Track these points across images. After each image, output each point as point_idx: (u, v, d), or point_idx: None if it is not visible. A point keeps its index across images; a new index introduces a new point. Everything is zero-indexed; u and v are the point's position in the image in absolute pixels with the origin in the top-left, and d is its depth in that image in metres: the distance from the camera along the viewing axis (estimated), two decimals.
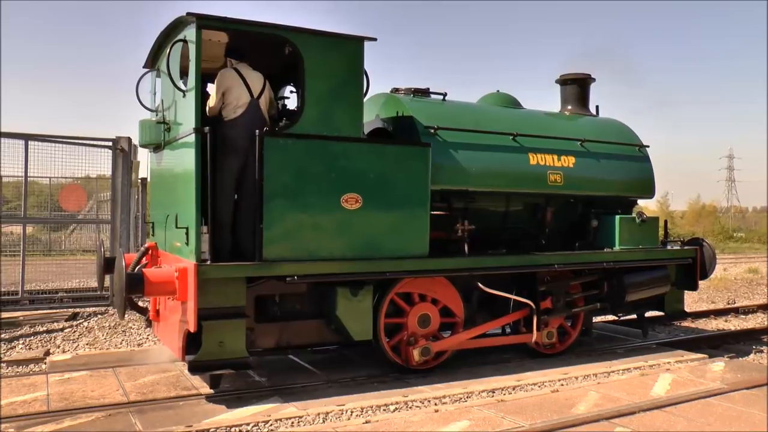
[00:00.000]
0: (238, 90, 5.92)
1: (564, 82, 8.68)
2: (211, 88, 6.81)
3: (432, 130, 6.65)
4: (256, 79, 6.03)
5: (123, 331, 8.66)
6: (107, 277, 7.26)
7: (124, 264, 5.61)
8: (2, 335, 8.25)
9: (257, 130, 5.57)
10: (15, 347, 7.80)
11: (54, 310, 9.81)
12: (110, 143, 10.19)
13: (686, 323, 10.62)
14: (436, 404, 5.61)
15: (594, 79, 8.66)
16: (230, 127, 5.82)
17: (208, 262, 5.42)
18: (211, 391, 5.77)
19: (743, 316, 11.62)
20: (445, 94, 7.30)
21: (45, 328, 8.76)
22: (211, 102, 6.01)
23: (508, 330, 7.56)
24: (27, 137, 9.75)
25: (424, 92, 7.23)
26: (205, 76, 6.05)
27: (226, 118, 5.90)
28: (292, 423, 5.10)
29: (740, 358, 8.09)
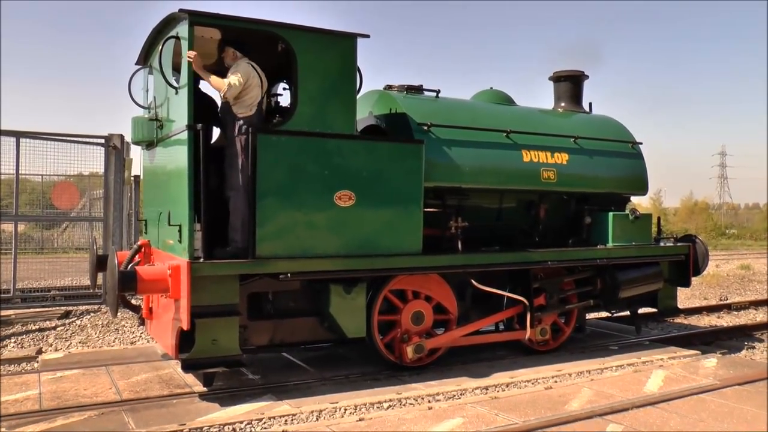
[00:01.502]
0: (257, 89, 5.86)
1: (557, 79, 8.68)
2: (204, 85, 6.77)
3: (425, 127, 6.64)
4: (263, 78, 6.00)
5: (116, 330, 8.62)
6: (100, 275, 7.22)
7: (116, 262, 5.58)
8: None
9: (249, 127, 5.55)
10: (6, 346, 7.77)
11: (46, 309, 9.76)
12: (102, 140, 10.15)
13: (679, 320, 10.66)
14: (429, 401, 5.61)
15: (587, 76, 8.67)
16: (247, 124, 5.73)
17: (201, 260, 5.41)
18: (205, 389, 5.76)
19: (735, 313, 11.67)
20: (438, 91, 7.29)
21: (37, 327, 8.72)
22: (235, 88, 5.68)
23: (501, 327, 7.56)
24: (18, 134, 9.69)
25: (418, 89, 7.22)
26: (197, 73, 6.01)
27: (240, 114, 5.82)
28: (286, 421, 5.09)
29: (733, 354, 8.13)
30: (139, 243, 6.74)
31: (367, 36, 6.06)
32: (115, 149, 10.13)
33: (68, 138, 10.13)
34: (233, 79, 5.70)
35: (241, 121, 5.78)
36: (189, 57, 5.47)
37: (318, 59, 5.86)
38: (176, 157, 5.80)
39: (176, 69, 6.05)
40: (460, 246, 6.70)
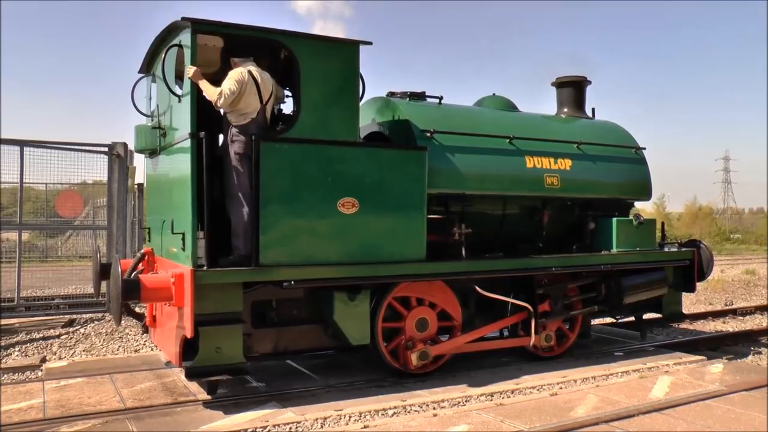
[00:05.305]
0: (251, 97, 5.73)
1: (560, 84, 8.69)
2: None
3: (428, 134, 6.64)
4: (267, 82, 5.85)
5: (120, 338, 8.62)
6: (103, 283, 7.22)
7: (120, 270, 5.58)
8: None
9: (253, 135, 5.55)
10: (11, 354, 7.76)
11: (50, 317, 9.76)
12: (106, 149, 10.18)
13: (684, 325, 10.61)
14: (434, 408, 5.59)
15: (590, 82, 8.67)
16: (241, 133, 5.71)
17: (205, 268, 5.41)
18: (209, 397, 5.74)
19: (741, 318, 11.63)
20: (441, 98, 7.29)
21: (41, 335, 8.72)
22: (227, 98, 5.55)
23: (506, 333, 7.54)
24: (22, 143, 9.72)
25: (420, 96, 7.22)
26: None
27: (234, 123, 5.76)
28: (290, 428, 5.08)
29: (739, 360, 8.09)
30: (142, 251, 6.75)
31: (370, 43, 6.07)
32: (118, 157, 10.16)
33: (72, 146, 10.16)
34: (225, 87, 5.57)
35: (235, 130, 5.72)
36: (188, 74, 5.47)
37: (320, 66, 5.86)
38: (179, 165, 5.81)
39: (179, 77, 6.07)
40: (463, 252, 6.69)
